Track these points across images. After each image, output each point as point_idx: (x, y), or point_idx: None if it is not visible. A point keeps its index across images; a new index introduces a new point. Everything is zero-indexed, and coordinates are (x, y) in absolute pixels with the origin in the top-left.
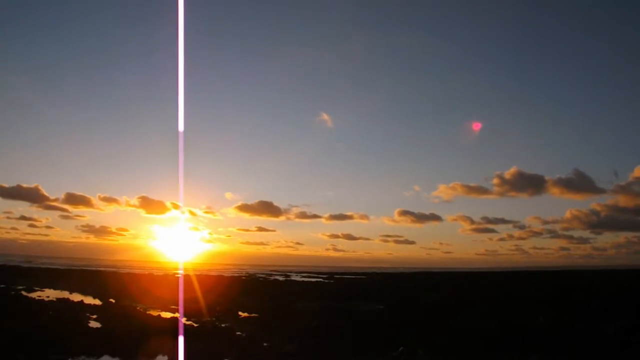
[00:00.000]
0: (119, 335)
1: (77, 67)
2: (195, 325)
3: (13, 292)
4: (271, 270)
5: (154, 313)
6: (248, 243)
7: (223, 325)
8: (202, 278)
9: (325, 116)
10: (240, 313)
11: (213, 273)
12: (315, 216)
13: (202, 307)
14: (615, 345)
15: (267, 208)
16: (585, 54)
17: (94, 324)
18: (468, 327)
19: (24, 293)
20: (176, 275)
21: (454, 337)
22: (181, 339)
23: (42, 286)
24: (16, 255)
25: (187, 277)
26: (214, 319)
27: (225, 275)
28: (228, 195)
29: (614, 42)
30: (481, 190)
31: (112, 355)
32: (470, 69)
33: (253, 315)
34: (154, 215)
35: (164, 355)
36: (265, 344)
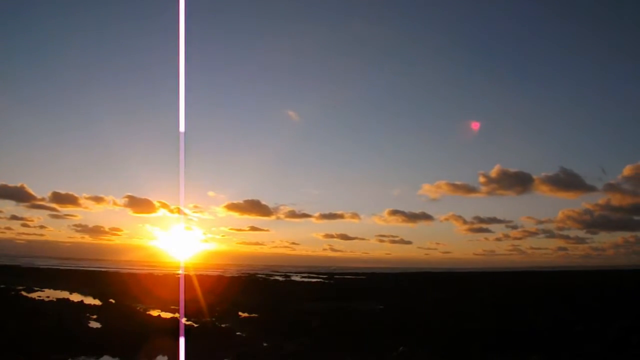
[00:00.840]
0: (119, 335)
1: (59, 66)
2: (196, 325)
3: (13, 292)
4: (271, 271)
5: (154, 313)
6: (244, 243)
7: (223, 325)
8: (202, 278)
9: (303, 112)
10: (240, 313)
11: (212, 273)
12: (305, 215)
13: (202, 307)
14: (616, 345)
15: (256, 207)
16: (569, 52)
17: (94, 324)
18: (468, 327)
19: (24, 293)
20: (175, 275)
21: (454, 337)
22: (182, 339)
23: (42, 286)
24: (15, 255)
25: (186, 277)
26: (214, 319)
27: (225, 275)
28: (211, 193)
29: (598, 40)
30: (468, 189)
31: (112, 355)
32: (454, 65)
33: (253, 315)
34: (145, 215)
35: (164, 355)
36: (265, 344)
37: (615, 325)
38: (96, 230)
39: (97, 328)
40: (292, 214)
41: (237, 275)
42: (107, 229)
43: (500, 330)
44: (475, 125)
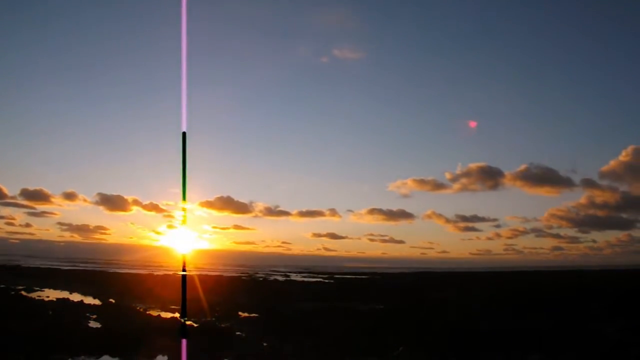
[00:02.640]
0: (119, 335)
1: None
2: (196, 325)
3: (13, 292)
4: (271, 271)
5: (154, 313)
6: (236, 242)
7: (223, 325)
8: (201, 278)
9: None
10: (240, 313)
11: (210, 273)
12: (283, 212)
13: (202, 307)
14: (616, 345)
15: (231, 204)
16: (544, 48)
17: (94, 324)
18: (468, 327)
19: (24, 293)
20: (175, 275)
21: (454, 337)
22: (183, 339)
23: (42, 286)
24: (13, 255)
25: (185, 277)
26: (214, 319)
27: (224, 275)
28: (174, 190)
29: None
30: (437, 185)
31: (112, 355)
32: (424, 60)
33: (253, 315)
34: (122, 213)
35: (163, 355)
36: (265, 344)
37: (615, 325)
38: (83, 229)
39: (97, 328)
40: (270, 212)
41: (236, 275)
42: (92, 227)
43: (500, 330)
44: (472, 124)
